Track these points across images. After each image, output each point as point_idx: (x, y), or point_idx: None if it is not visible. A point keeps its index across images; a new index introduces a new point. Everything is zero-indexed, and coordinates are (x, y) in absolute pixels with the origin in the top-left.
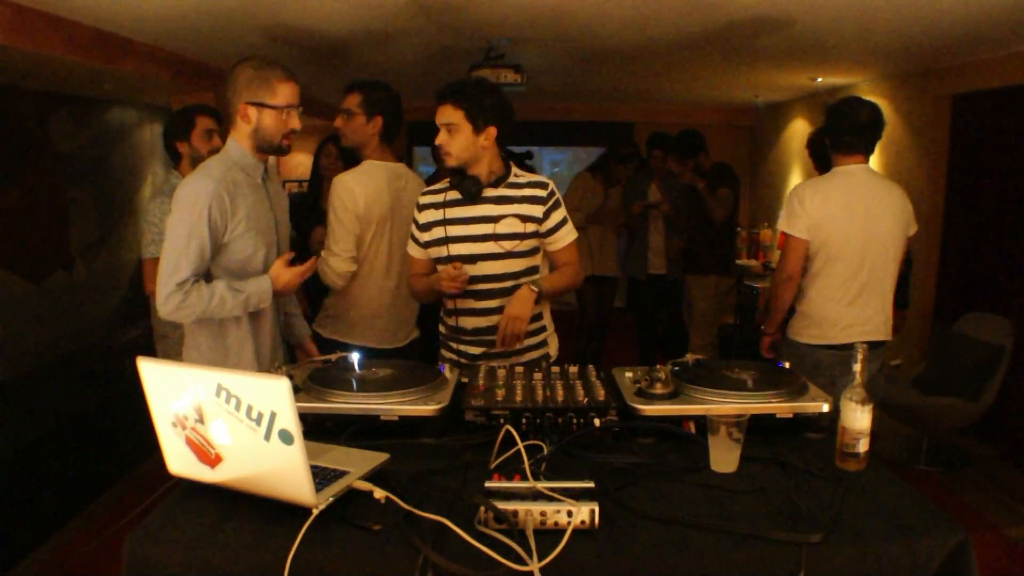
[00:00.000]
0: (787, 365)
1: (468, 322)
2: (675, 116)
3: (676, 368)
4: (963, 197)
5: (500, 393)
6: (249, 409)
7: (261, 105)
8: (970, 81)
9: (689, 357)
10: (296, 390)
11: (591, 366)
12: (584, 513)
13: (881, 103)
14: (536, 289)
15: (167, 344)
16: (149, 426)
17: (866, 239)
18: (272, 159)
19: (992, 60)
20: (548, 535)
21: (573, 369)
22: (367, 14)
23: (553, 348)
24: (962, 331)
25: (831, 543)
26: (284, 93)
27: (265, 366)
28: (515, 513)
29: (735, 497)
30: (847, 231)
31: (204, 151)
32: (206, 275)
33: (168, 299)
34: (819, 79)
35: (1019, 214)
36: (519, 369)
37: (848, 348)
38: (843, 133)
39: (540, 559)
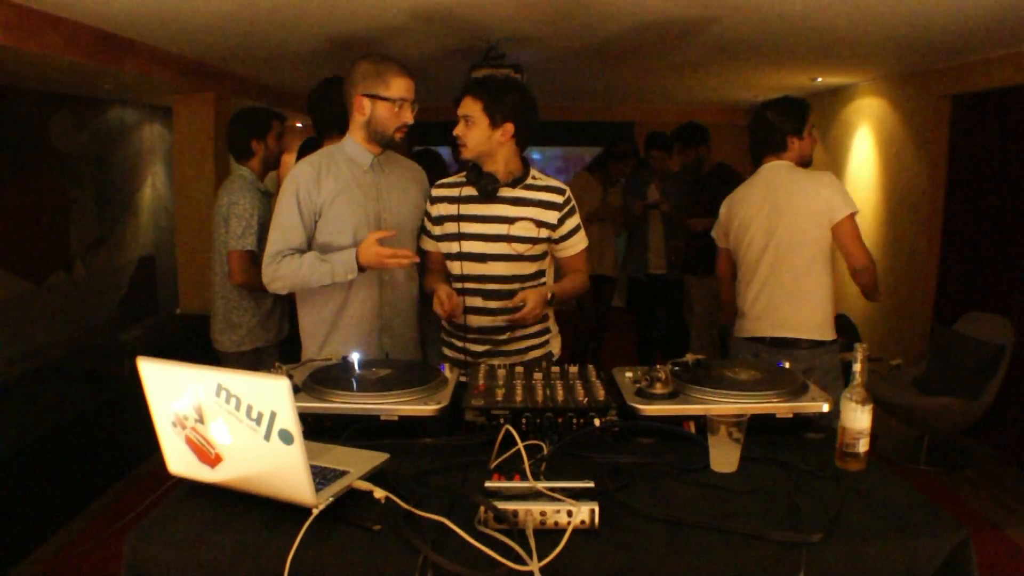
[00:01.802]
0: (787, 365)
1: (473, 320)
2: (675, 116)
3: (676, 368)
4: (963, 197)
5: (500, 393)
6: (249, 409)
7: (375, 97)
8: (970, 81)
9: (689, 357)
10: (296, 390)
11: (591, 366)
12: (584, 513)
13: (881, 103)
14: (550, 295)
15: (240, 334)
16: (149, 426)
17: (767, 234)
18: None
19: (992, 60)
20: (548, 535)
21: (573, 369)
22: (368, 15)
23: (556, 347)
24: (962, 331)
25: (831, 543)
26: (398, 86)
27: (368, 347)
28: (515, 513)
29: (735, 497)
30: (749, 229)
31: (275, 151)
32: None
33: (265, 270)
34: (819, 79)
35: (1019, 214)
36: (519, 369)
37: (762, 341)
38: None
39: (540, 559)
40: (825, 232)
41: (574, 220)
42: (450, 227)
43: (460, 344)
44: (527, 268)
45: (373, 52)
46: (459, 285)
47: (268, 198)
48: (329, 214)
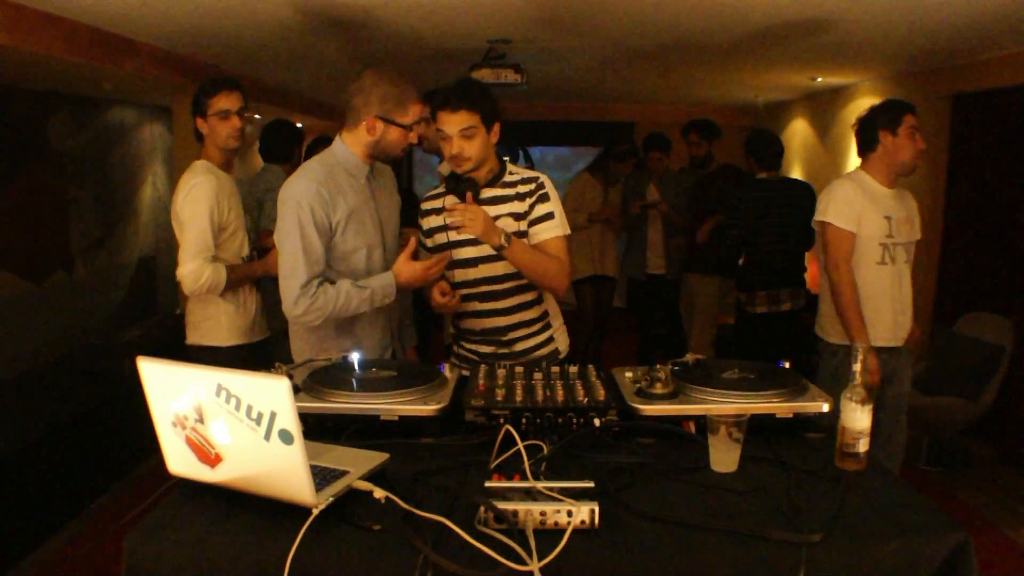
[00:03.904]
0: (787, 365)
1: (475, 323)
2: (675, 116)
3: (676, 368)
4: (963, 197)
5: (500, 393)
6: (249, 409)
7: (390, 122)
8: (970, 81)
9: (689, 357)
10: (296, 390)
11: (591, 366)
12: (584, 513)
13: None
14: (506, 237)
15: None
16: (149, 426)
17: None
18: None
19: (992, 60)
20: (548, 535)
21: (573, 369)
22: (367, 16)
23: (563, 344)
24: (962, 331)
25: (831, 543)
26: (415, 113)
27: (382, 350)
28: (515, 513)
29: (735, 497)
30: None
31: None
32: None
33: (297, 302)
34: (819, 79)
35: (1019, 214)
36: (519, 369)
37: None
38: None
39: (540, 559)
40: (818, 237)
41: (546, 206)
42: (440, 238)
43: (468, 346)
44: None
45: (390, 69)
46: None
47: None
48: (345, 234)
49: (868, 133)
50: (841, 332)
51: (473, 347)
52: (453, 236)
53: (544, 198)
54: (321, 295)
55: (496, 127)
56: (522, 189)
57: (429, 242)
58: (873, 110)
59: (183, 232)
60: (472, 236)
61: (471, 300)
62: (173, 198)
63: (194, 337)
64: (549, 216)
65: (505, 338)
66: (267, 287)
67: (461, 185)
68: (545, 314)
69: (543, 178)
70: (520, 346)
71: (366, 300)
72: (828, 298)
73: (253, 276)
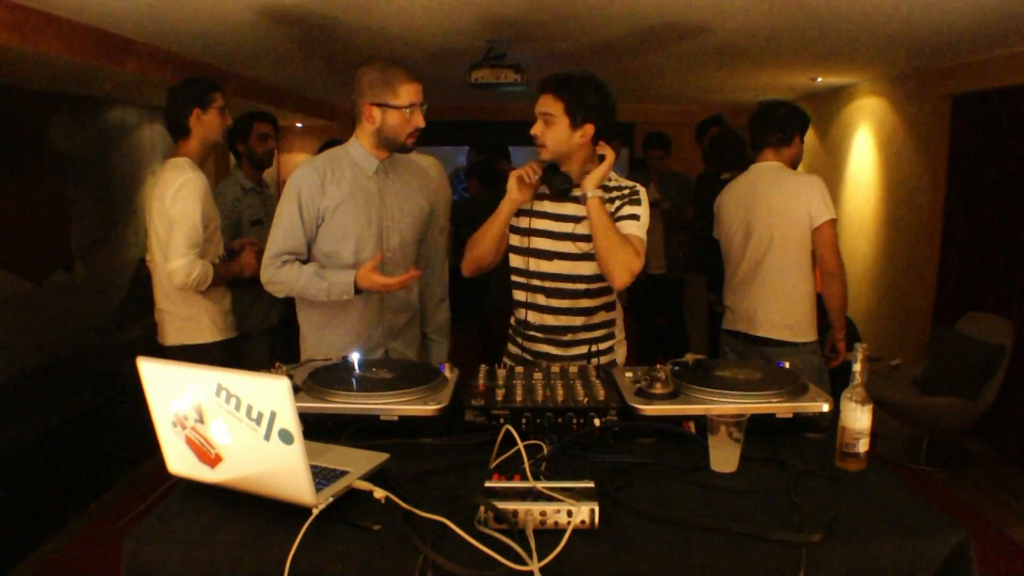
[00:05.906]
0: (787, 365)
1: (534, 317)
2: (675, 116)
3: (676, 368)
4: (963, 197)
5: (500, 393)
6: (249, 409)
7: (384, 106)
8: (970, 81)
9: (689, 357)
10: (296, 390)
11: (591, 366)
12: (584, 513)
13: (881, 103)
14: (596, 195)
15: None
16: (149, 426)
17: (746, 234)
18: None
19: (992, 60)
20: (548, 535)
21: (573, 369)
22: (370, 16)
23: (621, 355)
24: (962, 331)
25: (831, 543)
26: (407, 93)
27: (370, 343)
28: (515, 513)
29: (735, 497)
30: (731, 227)
31: (259, 151)
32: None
33: (265, 269)
34: (819, 79)
35: (1019, 214)
36: (519, 369)
37: (736, 335)
38: (750, 132)
39: (540, 559)
40: (805, 235)
41: (631, 208)
42: (523, 221)
43: (526, 344)
44: (589, 268)
45: (377, 57)
46: (523, 280)
47: (255, 194)
48: (332, 221)
49: (789, 131)
50: (813, 328)
51: (530, 345)
52: (536, 224)
53: (635, 202)
54: (285, 271)
55: (587, 128)
56: (616, 194)
57: (513, 219)
58: (793, 112)
59: (174, 228)
60: (553, 229)
61: (537, 293)
62: (157, 194)
63: (178, 338)
64: (633, 216)
65: (565, 338)
66: (238, 288)
67: (555, 178)
68: (612, 323)
69: (641, 189)
70: (579, 350)
71: (323, 291)
72: (802, 298)
73: (230, 276)
